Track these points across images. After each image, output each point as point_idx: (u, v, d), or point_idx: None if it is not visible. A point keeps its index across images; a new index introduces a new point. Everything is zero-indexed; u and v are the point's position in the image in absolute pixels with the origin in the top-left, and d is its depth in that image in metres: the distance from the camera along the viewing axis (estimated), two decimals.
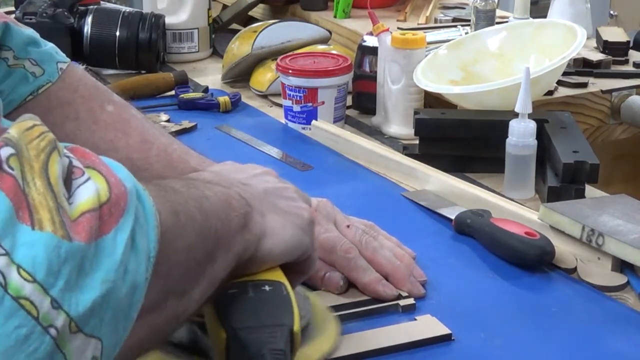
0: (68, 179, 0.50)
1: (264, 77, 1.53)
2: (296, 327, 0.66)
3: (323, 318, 0.81)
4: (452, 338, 0.82)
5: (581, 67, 1.46)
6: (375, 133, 1.38)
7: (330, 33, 1.62)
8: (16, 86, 0.88)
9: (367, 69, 1.43)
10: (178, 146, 0.92)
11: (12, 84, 0.88)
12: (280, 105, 1.43)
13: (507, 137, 1.13)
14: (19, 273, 0.46)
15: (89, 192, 0.50)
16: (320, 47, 1.54)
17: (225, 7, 1.91)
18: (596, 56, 1.49)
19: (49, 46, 0.92)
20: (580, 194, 1.07)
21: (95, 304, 0.49)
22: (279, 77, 1.41)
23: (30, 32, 0.91)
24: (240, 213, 0.68)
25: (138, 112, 0.96)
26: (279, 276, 0.72)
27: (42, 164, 0.49)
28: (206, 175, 0.74)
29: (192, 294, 0.62)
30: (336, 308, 0.86)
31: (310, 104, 1.36)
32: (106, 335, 0.50)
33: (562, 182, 1.08)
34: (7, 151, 0.48)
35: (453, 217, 1.05)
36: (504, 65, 1.37)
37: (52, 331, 0.47)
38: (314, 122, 1.34)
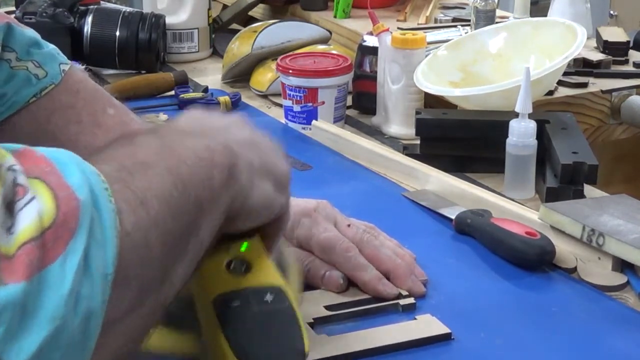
0: (11, 203, 0.46)
1: (264, 77, 1.53)
2: (307, 348, 0.66)
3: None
4: (452, 337, 0.82)
5: (581, 67, 1.46)
6: (376, 133, 1.38)
7: (330, 33, 1.62)
8: (19, 89, 0.88)
9: (367, 69, 1.43)
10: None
11: (15, 87, 0.88)
12: (280, 105, 1.43)
13: (507, 137, 1.13)
14: None
15: (30, 217, 0.46)
16: (320, 47, 1.54)
17: (225, 7, 1.91)
18: (596, 56, 1.49)
19: (51, 47, 0.92)
20: (579, 195, 1.07)
21: (41, 347, 0.45)
22: (279, 77, 1.41)
23: (31, 32, 0.91)
24: (224, 167, 0.62)
25: (135, 115, 0.95)
26: (275, 277, 0.69)
27: None
28: (183, 125, 0.67)
29: (174, 276, 0.58)
30: (336, 307, 0.86)
31: (310, 104, 1.36)
32: None
33: (560, 182, 1.08)
34: None
35: (453, 217, 1.05)
36: (503, 65, 1.37)
37: None
38: (314, 122, 1.34)
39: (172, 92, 1.52)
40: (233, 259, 0.68)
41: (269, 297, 0.67)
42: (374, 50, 1.40)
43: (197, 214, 0.59)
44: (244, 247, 0.69)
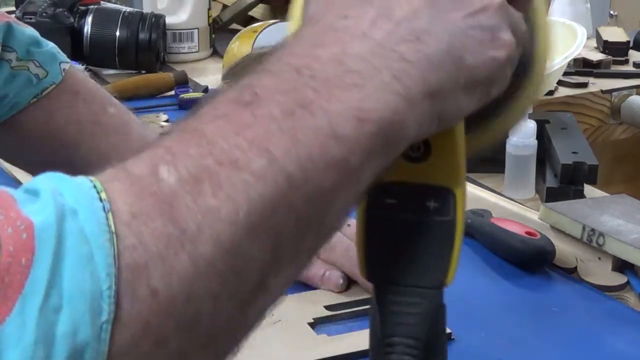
0: None
1: None
2: (448, 279, 0.53)
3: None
4: (452, 337, 0.82)
5: (581, 67, 1.46)
6: None
7: None
8: (21, 90, 0.87)
9: None
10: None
11: (16, 88, 0.87)
12: None
13: (507, 137, 1.13)
14: None
15: None
16: None
17: (225, 7, 1.91)
18: (596, 56, 1.49)
19: (50, 46, 0.91)
20: (579, 195, 1.07)
21: None
22: None
23: (31, 31, 0.90)
24: (379, 136, 0.45)
25: (134, 114, 0.95)
26: (453, 172, 0.53)
27: None
28: (330, 47, 0.46)
29: (250, 314, 0.44)
30: (336, 307, 0.86)
31: None
32: None
33: (560, 182, 1.08)
34: None
35: None
36: None
37: None
38: None
39: (172, 92, 1.51)
40: None
41: (431, 204, 0.52)
42: None
43: (311, 211, 0.44)
44: None
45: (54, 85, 0.89)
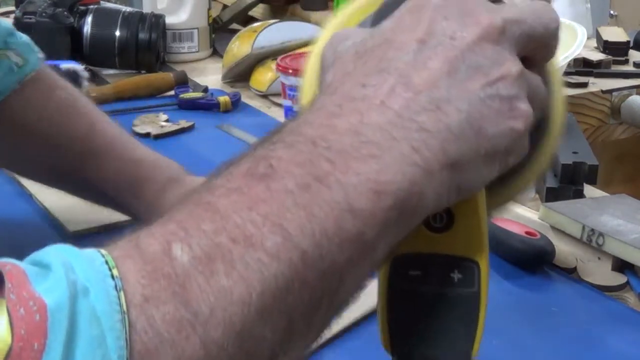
0: None
1: (264, 77, 1.53)
2: (474, 350, 0.52)
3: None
4: None
5: (581, 67, 1.46)
6: None
7: None
8: (2, 77, 0.90)
9: None
10: (126, 137, 0.94)
11: None
12: (280, 105, 1.43)
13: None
14: None
15: None
16: None
17: (225, 7, 1.91)
18: (596, 56, 1.49)
19: (25, 37, 0.94)
20: (579, 195, 1.07)
21: None
22: (279, 77, 1.41)
23: (6, 23, 0.93)
24: (394, 208, 0.43)
25: (90, 102, 0.97)
26: (476, 244, 0.51)
27: None
28: (329, 107, 0.46)
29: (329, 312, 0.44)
30: None
31: None
32: None
33: (560, 182, 1.08)
34: None
35: None
36: None
37: None
38: None
39: (172, 92, 1.51)
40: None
41: (456, 275, 0.51)
42: None
43: (325, 285, 0.43)
44: None
45: (34, 72, 0.92)
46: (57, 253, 0.42)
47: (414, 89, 0.45)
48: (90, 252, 0.41)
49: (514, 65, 0.47)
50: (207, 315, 0.40)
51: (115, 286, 0.40)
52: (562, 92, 0.54)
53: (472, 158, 0.45)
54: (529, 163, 0.53)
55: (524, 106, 0.47)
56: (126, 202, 0.92)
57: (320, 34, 0.55)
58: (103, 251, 0.41)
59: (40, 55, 0.94)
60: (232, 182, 0.43)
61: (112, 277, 0.40)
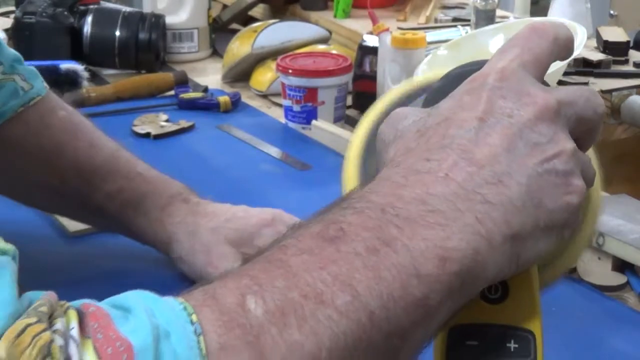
0: None
1: (264, 77, 1.53)
2: None
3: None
4: None
5: (581, 67, 1.45)
6: None
7: (330, 33, 1.62)
8: (8, 100, 0.91)
9: (367, 69, 1.43)
10: (125, 152, 0.94)
11: (3, 98, 0.90)
12: (280, 105, 1.43)
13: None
14: None
15: None
16: (320, 47, 1.54)
17: (225, 7, 1.91)
18: (596, 56, 1.49)
19: (31, 67, 0.95)
20: None
21: None
22: (279, 77, 1.41)
23: (13, 51, 0.94)
24: (457, 276, 0.45)
25: (87, 119, 0.97)
26: (531, 315, 0.52)
27: None
28: (390, 186, 0.48)
29: None
30: None
31: (310, 104, 1.36)
32: None
33: None
34: None
35: None
36: None
37: None
38: (314, 121, 1.34)
39: (172, 92, 1.51)
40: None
41: (512, 345, 0.52)
42: (374, 50, 1.40)
43: (389, 346, 0.45)
44: None
45: (39, 97, 0.92)
46: (137, 298, 0.44)
47: (477, 164, 0.47)
48: (169, 299, 0.43)
49: (568, 143, 0.49)
50: None
51: (195, 331, 0.42)
52: (600, 173, 0.57)
53: (532, 230, 0.48)
54: (576, 236, 0.55)
55: (579, 182, 0.49)
56: (130, 219, 0.91)
57: (365, 118, 0.60)
58: (180, 299, 0.43)
59: (45, 84, 0.95)
60: (303, 243, 0.46)
61: (191, 322, 0.42)
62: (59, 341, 0.41)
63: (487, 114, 0.48)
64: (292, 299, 0.43)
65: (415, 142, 0.49)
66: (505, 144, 0.48)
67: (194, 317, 0.42)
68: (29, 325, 0.42)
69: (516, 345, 0.52)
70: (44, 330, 0.41)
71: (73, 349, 0.41)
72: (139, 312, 0.42)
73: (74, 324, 0.42)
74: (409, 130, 0.51)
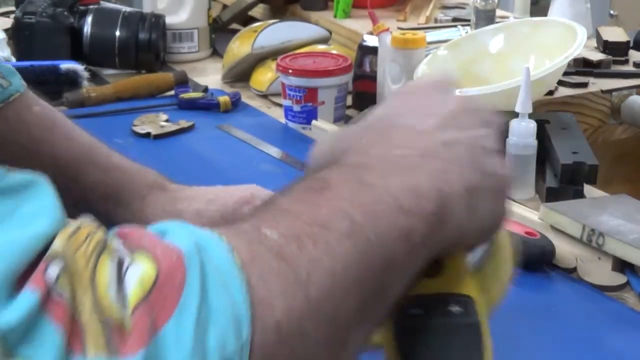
0: (120, 277, 0.45)
1: (264, 77, 1.53)
2: None
3: (503, 259, 0.66)
4: None
5: (581, 67, 1.45)
6: None
7: (330, 33, 1.62)
8: None
9: (367, 69, 1.43)
10: (101, 145, 0.95)
11: None
12: (280, 105, 1.43)
13: (507, 137, 1.13)
14: None
15: (132, 282, 0.44)
16: (320, 47, 1.54)
17: (225, 7, 1.91)
18: (596, 56, 1.49)
19: (8, 64, 0.96)
20: (579, 195, 1.07)
21: None
22: (279, 77, 1.41)
23: None
24: (430, 215, 0.51)
25: (63, 115, 0.98)
26: (467, 284, 0.59)
27: (90, 273, 0.44)
28: (386, 143, 0.55)
29: (344, 350, 0.50)
30: None
31: (310, 104, 1.35)
32: None
33: (560, 182, 1.08)
34: (54, 270, 0.43)
35: None
36: (502, 64, 1.37)
37: None
38: (314, 122, 1.34)
39: (172, 92, 1.51)
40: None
41: (455, 308, 0.57)
42: (374, 50, 1.40)
43: (383, 277, 0.50)
44: None
45: (18, 93, 0.92)
46: (168, 223, 0.48)
47: (427, 132, 0.55)
48: (195, 226, 0.48)
49: (491, 131, 0.59)
50: (305, 277, 0.46)
51: (227, 248, 0.46)
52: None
53: (479, 187, 0.55)
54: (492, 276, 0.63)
55: (501, 159, 0.58)
56: (109, 210, 0.92)
57: None
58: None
59: (23, 81, 0.95)
60: (295, 197, 0.51)
61: (222, 240, 0.46)
62: (112, 241, 0.46)
63: (423, 106, 0.57)
64: (300, 227, 0.48)
65: (361, 138, 0.56)
66: (444, 121, 0.56)
67: (223, 237, 0.46)
68: (80, 227, 0.46)
69: (458, 308, 0.57)
70: (95, 231, 0.46)
71: (123, 250, 0.46)
72: (175, 230, 0.47)
73: (118, 242, 0.46)
74: (354, 135, 0.57)
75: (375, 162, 0.53)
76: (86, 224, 0.46)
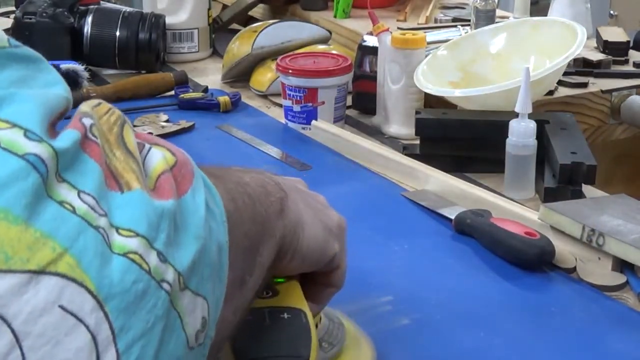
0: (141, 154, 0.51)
1: (264, 77, 1.53)
2: (312, 357, 0.63)
3: (358, 344, 0.77)
4: None
5: (581, 67, 1.46)
6: (375, 133, 1.38)
7: (330, 33, 1.62)
8: None
9: (367, 69, 1.43)
10: None
11: None
12: (280, 105, 1.43)
13: (507, 137, 1.13)
14: (119, 234, 0.44)
15: (156, 158, 0.50)
16: (320, 47, 1.54)
17: (225, 7, 1.91)
18: (596, 56, 1.49)
19: None
20: (577, 195, 1.07)
21: (194, 259, 0.48)
22: (279, 77, 1.41)
23: None
24: (276, 198, 0.64)
25: None
26: (300, 302, 0.67)
27: (117, 136, 0.49)
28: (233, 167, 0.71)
29: (249, 283, 0.59)
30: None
31: (310, 104, 1.36)
32: (209, 293, 0.49)
33: (559, 183, 1.08)
34: (88, 121, 0.48)
35: (453, 217, 1.05)
36: (502, 64, 1.37)
37: (166, 286, 0.45)
38: (314, 122, 1.35)
39: (172, 92, 1.52)
40: (264, 289, 0.66)
41: (285, 315, 0.65)
42: (374, 50, 1.40)
43: (262, 229, 0.61)
44: (278, 280, 0.68)
45: None
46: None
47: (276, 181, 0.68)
48: None
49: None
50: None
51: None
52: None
53: (312, 219, 0.68)
54: None
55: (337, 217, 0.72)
56: None
57: None
58: None
59: None
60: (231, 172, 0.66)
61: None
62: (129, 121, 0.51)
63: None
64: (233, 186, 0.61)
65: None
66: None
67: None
68: (101, 102, 0.51)
69: (289, 316, 0.64)
70: (114, 108, 0.51)
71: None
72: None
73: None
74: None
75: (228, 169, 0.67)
76: (104, 102, 0.51)
